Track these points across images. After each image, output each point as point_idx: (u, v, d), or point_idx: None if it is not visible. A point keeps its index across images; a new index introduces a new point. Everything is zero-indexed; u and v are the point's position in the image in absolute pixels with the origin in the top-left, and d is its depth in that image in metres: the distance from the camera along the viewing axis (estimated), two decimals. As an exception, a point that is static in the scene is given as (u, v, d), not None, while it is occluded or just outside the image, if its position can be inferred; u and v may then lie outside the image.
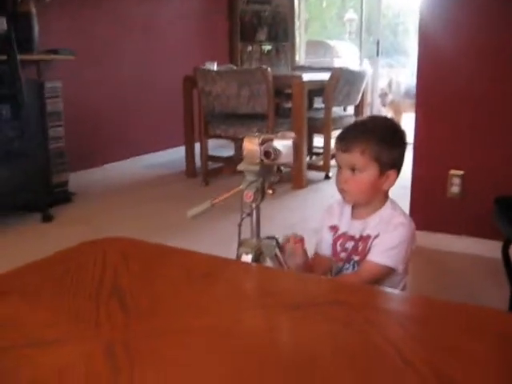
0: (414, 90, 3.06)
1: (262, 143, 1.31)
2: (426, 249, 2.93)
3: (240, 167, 1.35)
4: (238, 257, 1.32)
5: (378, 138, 1.47)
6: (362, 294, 0.98)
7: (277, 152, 1.30)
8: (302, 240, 1.53)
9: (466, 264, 2.82)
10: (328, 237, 1.60)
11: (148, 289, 0.96)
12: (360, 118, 1.46)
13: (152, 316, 0.86)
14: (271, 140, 1.32)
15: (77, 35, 4.56)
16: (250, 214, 1.35)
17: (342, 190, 1.51)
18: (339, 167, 1.52)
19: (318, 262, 1.63)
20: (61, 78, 3.93)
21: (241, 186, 1.32)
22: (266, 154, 1.30)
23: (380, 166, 1.46)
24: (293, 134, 1.35)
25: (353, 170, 1.47)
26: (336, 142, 1.54)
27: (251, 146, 1.32)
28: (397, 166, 1.51)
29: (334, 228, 1.59)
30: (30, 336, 0.80)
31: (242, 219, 1.34)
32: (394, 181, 1.50)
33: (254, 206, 1.33)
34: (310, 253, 1.62)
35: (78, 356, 0.74)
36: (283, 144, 1.31)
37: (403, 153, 1.53)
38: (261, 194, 1.32)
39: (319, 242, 1.64)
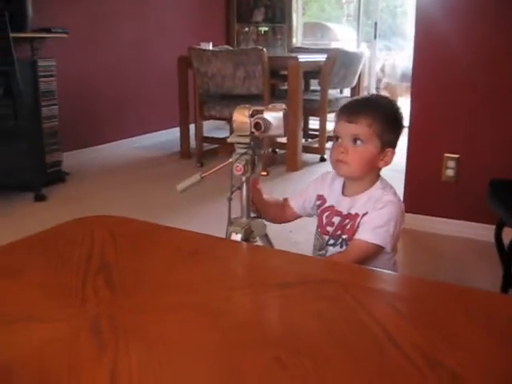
0: (410, 73, 3.05)
1: (252, 115, 1.30)
2: (420, 232, 2.94)
3: (230, 139, 1.34)
4: (228, 235, 1.32)
5: (383, 115, 1.48)
6: (351, 274, 0.97)
7: (267, 124, 1.29)
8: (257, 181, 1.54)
9: (460, 247, 2.83)
10: (310, 200, 1.62)
11: (135, 266, 0.95)
12: (364, 95, 1.46)
13: (138, 293, 0.85)
14: (261, 112, 1.30)
15: (71, 14, 4.52)
16: (240, 187, 1.33)
17: (338, 162, 1.49)
18: (337, 139, 1.51)
19: (278, 204, 1.66)
20: (55, 57, 3.89)
21: (231, 159, 1.31)
22: (257, 125, 1.29)
23: (381, 142, 1.47)
24: (283, 106, 1.34)
25: (355, 141, 1.46)
26: (339, 113, 1.52)
27: (241, 117, 1.30)
28: (394, 145, 1.52)
29: (321, 197, 1.59)
30: (17, 312, 0.80)
31: (232, 192, 1.33)
32: (391, 160, 1.50)
33: (244, 178, 1.32)
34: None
35: (64, 332, 0.74)
36: (274, 116, 1.30)
37: (400, 135, 1.54)
38: (251, 166, 1.30)
39: (297, 195, 1.66)
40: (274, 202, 1.66)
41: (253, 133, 1.30)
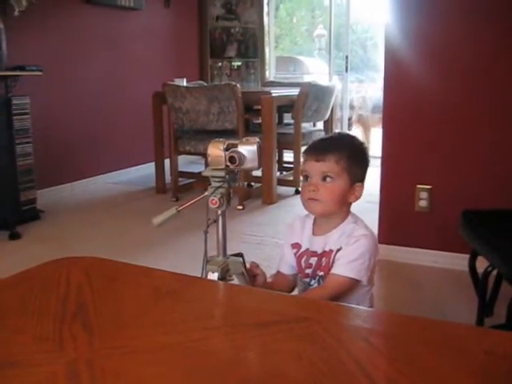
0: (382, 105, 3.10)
1: (226, 149, 1.32)
2: (395, 262, 2.96)
3: (205, 173, 1.35)
4: (205, 274, 1.32)
5: (349, 152, 1.51)
6: (327, 311, 0.98)
7: (242, 157, 1.31)
8: (256, 265, 1.56)
9: (435, 277, 2.85)
10: (290, 254, 1.62)
11: (112, 307, 0.95)
12: (327, 135, 1.48)
13: (116, 335, 0.85)
14: (236, 145, 1.32)
15: (45, 51, 4.53)
16: (216, 221, 1.35)
17: (309, 200, 1.51)
18: (306, 178, 1.53)
19: (279, 280, 1.65)
20: (29, 95, 3.89)
21: (206, 193, 1.32)
22: (231, 159, 1.30)
23: (350, 178, 1.50)
24: (257, 139, 1.36)
25: (324, 178, 1.48)
26: (307, 153, 1.55)
27: (216, 151, 1.32)
28: (362, 180, 1.55)
29: (296, 245, 1.61)
30: (-7, 358, 0.79)
31: (208, 226, 1.34)
32: (360, 194, 1.54)
33: (219, 212, 1.33)
34: (272, 271, 1.65)
35: (41, 377, 0.73)
36: (248, 149, 1.32)
37: (367, 169, 1.58)
38: (226, 199, 1.31)
39: (280, 260, 1.67)
40: (277, 281, 1.65)
41: (228, 166, 1.32)
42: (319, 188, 1.49)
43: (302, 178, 1.58)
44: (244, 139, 1.36)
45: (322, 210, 1.53)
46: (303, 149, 4.74)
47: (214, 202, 1.30)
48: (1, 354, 0.80)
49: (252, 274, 1.53)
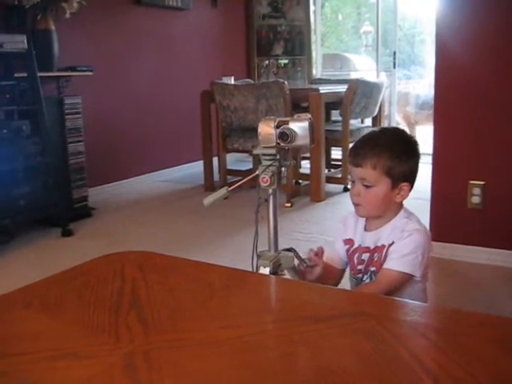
0: (431, 101, 3.04)
1: (277, 126, 1.30)
2: (447, 260, 2.91)
3: (256, 151, 1.33)
4: (256, 269, 1.32)
5: (389, 152, 1.46)
6: (383, 306, 0.97)
7: (293, 134, 1.29)
8: (321, 251, 1.53)
9: (488, 275, 2.79)
10: (342, 249, 1.61)
11: (167, 301, 0.96)
12: (370, 131, 1.42)
13: (172, 328, 0.85)
14: (287, 122, 1.30)
15: (95, 52, 4.61)
16: (267, 200, 1.33)
17: (355, 204, 1.51)
18: (352, 181, 1.52)
19: (327, 272, 1.63)
20: (80, 94, 3.97)
21: (257, 172, 1.30)
22: (283, 135, 1.28)
23: (392, 180, 1.47)
24: (309, 116, 1.33)
25: (364, 184, 1.47)
26: (348, 156, 1.53)
27: (267, 128, 1.30)
28: (410, 178, 1.50)
29: (349, 241, 1.59)
30: (51, 349, 0.80)
31: (259, 205, 1.33)
32: (407, 193, 1.50)
33: (270, 190, 1.31)
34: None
35: (99, 369, 0.74)
36: (299, 126, 1.30)
37: (416, 164, 1.52)
38: (277, 177, 1.30)
39: (330, 253, 1.64)
40: (327, 265, 1.61)
41: (278, 144, 1.30)
42: (361, 194, 1.48)
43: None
44: (295, 116, 1.34)
45: (366, 214, 1.53)
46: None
47: (265, 180, 1.29)
48: (59, 346, 0.81)
49: (312, 262, 1.51)
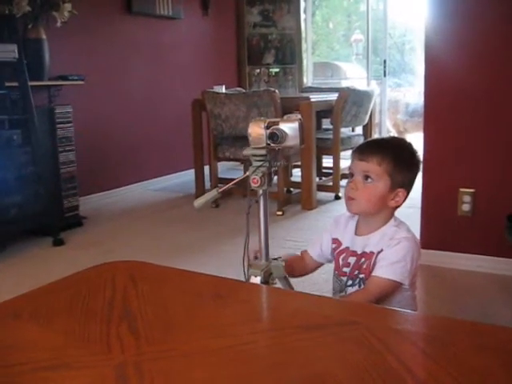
0: (421, 109, 3.06)
1: (267, 127, 1.30)
2: (438, 267, 2.92)
3: (246, 152, 1.33)
4: (247, 278, 1.32)
5: (394, 155, 1.51)
6: (374, 314, 0.97)
7: (283, 134, 1.29)
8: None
9: (479, 282, 2.80)
10: (327, 245, 1.64)
11: (158, 311, 0.96)
12: (378, 137, 1.49)
13: (163, 339, 0.85)
14: (277, 123, 1.30)
15: (86, 61, 4.61)
16: (257, 201, 1.33)
17: (349, 199, 1.52)
18: (351, 176, 1.53)
19: (301, 258, 1.68)
20: (71, 103, 3.96)
21: (247, 173, 1.30)
22: (273, 136, 1.28)
23: (391, 182, 1.49)
24: (299, 116, 1.34)
25: (366, 178, 1.49)
26: (353, 152, 1.56)
27: (257, 129, 1.30)
28: (407, 186, 1.54)
29: (336, 241, 1.61)
30: (42, 359, 0.80)
31: (250, 206, 1.33)
32: (402, 200, 1.53)
33: (261, 191, 1.31)
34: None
35: (90, 380, 0.74)
36: (289, 126, 1.30)
37: (415, 177, 1.57)
38: (268, 178, 1.30)
39: (314, 243, 1.68)
40: (293, 258, 1.68)
41: (269, 144, 1.30)
42: (359, 187, 1.50)
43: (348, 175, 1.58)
44: (285, 117, 1.35)
45: (358, 210, 1.53)
46: (342, 154, 4.73)
47: (255, 180, 1.29)
48: (50, 357, 0.81)
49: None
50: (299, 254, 1.73)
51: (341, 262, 1.57)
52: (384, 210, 1.53)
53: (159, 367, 0.77)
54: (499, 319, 2.32)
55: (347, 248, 1.57)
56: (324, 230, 1.70)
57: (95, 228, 4.04)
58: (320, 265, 1.70)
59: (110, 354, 0.80)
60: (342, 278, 1.57)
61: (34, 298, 1.06)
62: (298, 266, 1.66)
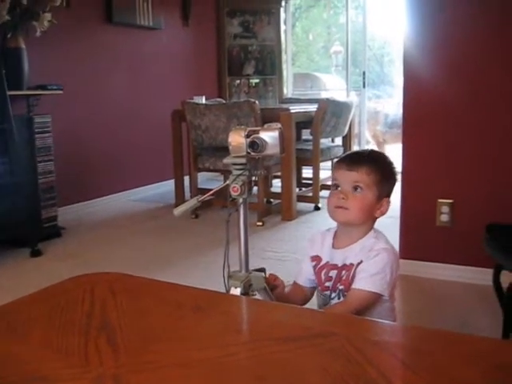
0: (400, 120, 3.09)
1: (248, 135, 1.30)
2: (417, 278, 2.93)
3: (226, 160, 1.33)
4: (227, 289, 1.31)
5: (380, 166, 1.54)
6: (353, 326, 0.97)
7: (263, 143, 1.29)
8: (275, 276, 1.59)
9: (459, 292, 2.82)
10: (308, 267, 1.63)
11: (137, 323, 0.95)
12: (359, 149, 1.52)
13: (142, 351, 0.84)
14: (257, 132, 1.30)
15: (66, 70, 4.59)
16: (237, 210, 1.33)
17: (337, 208, 1.51)
18: (336, 187, 1.53)
19: (294, 291, 1.67)
20: (50, 113, 3.94)
21: (227, 181, 1.30)
22: (253, 144, 1.28)
23: (378, 192, 1.51)
24: (279, 125, 1.34)
25: (355, 188, 1.50)
26: (340, 162, 1.57)
27: (237, 138, 1.30)
28: (389, 196, 1.57)
29: (316, 258, 1.61)
30: (19, 373, 0.79)
31: (230, 214, 1.32)
32: (386, 210, 1.54)
33: (241, 200, 1.31)
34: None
35: (68, 393, 0.73)
36: (269, 135, 1.30)
37: (394, 186, 1.60)
38: (248, 187, 1.29)
39: (298, 272, 1.68)
40: (293, 292, 1.68)
41: (249, 153, 1.30)
42: (349, 197, 1.49)
43: (331, 186, 1.58)
44: (266, 125, 1.34)
45: (348, 219, 1.52)
46: (322, 165, 4.74)
47: (235, 189, 1.29)
48: (28, 369, 0.80)
49: (270, 285, 1.53)
50: (291, 283, 1.72)
51: (323, 277, 1.57)
52: (368, 221, 1.54)
53: (138, 379, 0.76)
54: (478, 329, 2.34)
55: (327, 263, 1.57)
56: (302, 257, 1.71)
57: (74, 239, 4.01)
58: (314, 291, 1.69)
59: (88, 366, 0.79)
60: (326, 292, 1.57)
61: (10, 309, 1.04)
62: (297, 298, 1.64)
